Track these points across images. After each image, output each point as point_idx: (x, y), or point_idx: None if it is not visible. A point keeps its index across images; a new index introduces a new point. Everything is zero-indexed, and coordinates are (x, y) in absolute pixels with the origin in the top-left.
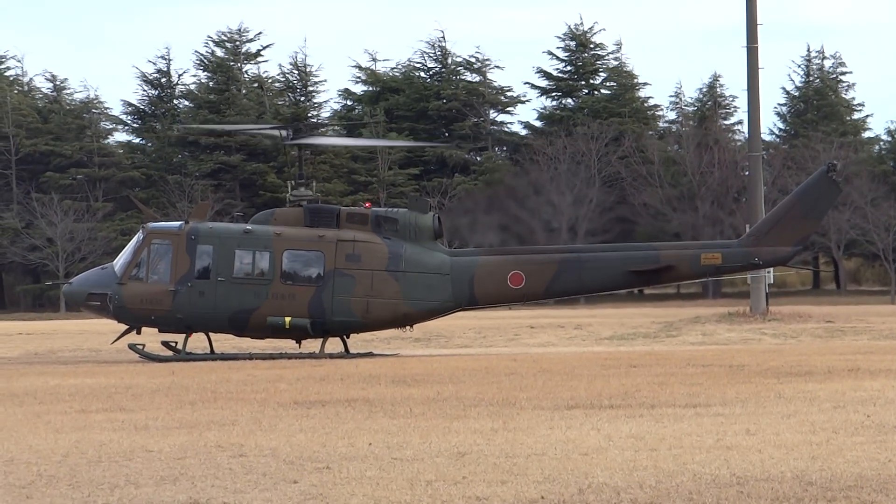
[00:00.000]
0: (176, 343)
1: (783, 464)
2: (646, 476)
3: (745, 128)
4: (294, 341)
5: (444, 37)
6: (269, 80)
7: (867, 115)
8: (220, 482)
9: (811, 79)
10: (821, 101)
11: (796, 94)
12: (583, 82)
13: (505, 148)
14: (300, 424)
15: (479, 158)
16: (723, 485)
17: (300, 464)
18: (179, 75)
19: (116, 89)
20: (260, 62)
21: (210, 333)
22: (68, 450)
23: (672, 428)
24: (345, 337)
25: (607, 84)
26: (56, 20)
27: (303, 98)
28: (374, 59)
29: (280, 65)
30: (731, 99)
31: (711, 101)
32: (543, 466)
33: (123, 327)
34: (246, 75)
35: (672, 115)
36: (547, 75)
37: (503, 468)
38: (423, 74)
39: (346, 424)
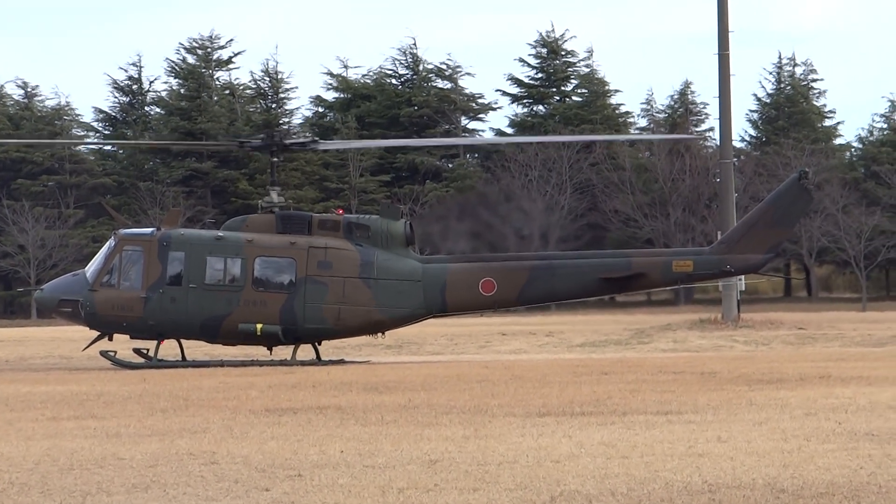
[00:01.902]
0: (147, 350)
1: (755, 471)
2: (618, 483)
3: (716, 134)
4: (265, 348)
5: (415, 44)
6: (241, 87)
7: (838, 122)
8: (191, 490)
9: (782, 86)
10: (792, 108)
11: (767, 100)
12: (554, 89)
13: (476, 155)
14: (272, 432)
15: (450, 165)
16: (694, 492)
17: (272, 471)
18: (151, 82)
19: (88, 96)
20: (231, 69)
21: (182, 340)
22: (40, 457)
23: (644, 435)
24: (316, 344)
25: (578, 91)
26: (27, 27)
27: (274, 105)
28: (346, 66)
29: (251, 72)
30: (702, 106)
31: (683, 108)
32: (515, 474)
33: (95, 334)
34: (217, 82)
35: (643, 122)
36: (518, 82)
37: (475, 476)
38: (394, 81)
39: (317, 432)
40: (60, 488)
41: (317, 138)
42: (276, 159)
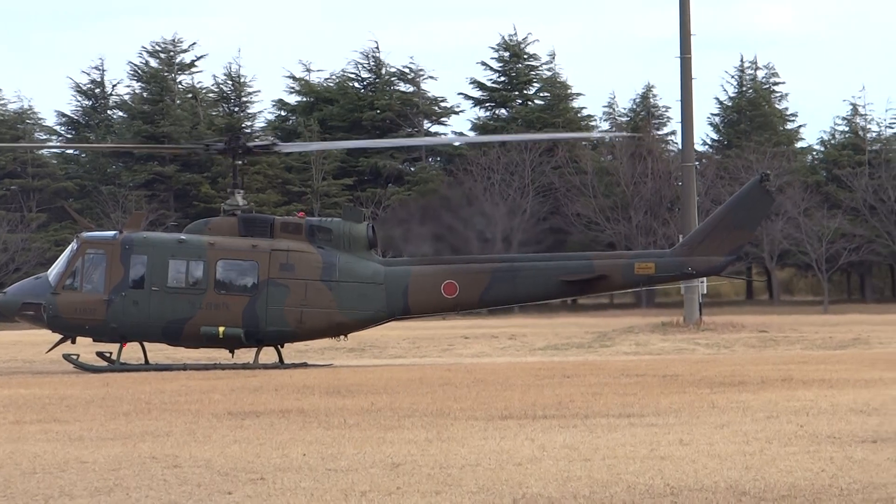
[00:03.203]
0: (111, 353)
1: (717, 474)
2: (580, 486)
3: (678, 138)
4: (228, 351)
5: (377, 47)
6: (204, 91)
7: (800, 126)
8: (154, 493)
9: (744, 89)
10: (754, 112)
11: (729, 104)
12: (516, 93)
13: (439, 158)
14: (234, 435)
15: (412, 169)
16: (657, 495)
17: (234, 475)
18: (113, 86)
19: (50, 100)
20: (194, 73)
21: (144, 343)
22: (2, 461)
23: (606, 438)
24: (279, 347)
25: (541, 94)
26: None
27: (237, 109)
28: (308, 70)
29: (214, 75)
30: (664, 109)
31: (645, 112)
32: (478, 477)
33: (58, 337)
34: (180, 86)
35: (605, 126)
36: (481, 86)
37: (437, 479)
38: (356, 85)
39: (280, 435)
40: (23, 492)
41: (277, 141)
42: (239, 162)
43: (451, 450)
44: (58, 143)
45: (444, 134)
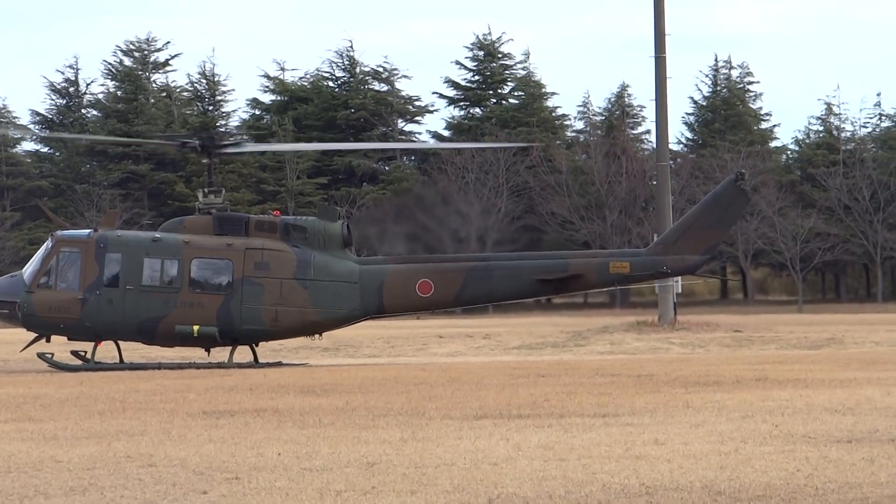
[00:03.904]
0: (86, 352)
1: (692, 473)
2: (555, 486)
3: (653, 137)
4: (203, 350)
5: (352, 46)
6: (178, 90)
7: (774, 125)
8: (129, 492)
9: (719, 88)
10: (728, 111)
11: (704, 103)
12: (491, 92)
13: (413, 158)
14: (209, 435)
15: (387, 168)
16: (632, 494)
17: (210, 474)
18: (87, 84)
19: (24, 99)
20: (168, 72)
21: (119, 342)
22: None
23: (581, 438)
24: (254, 346)
25: (515, 94)
26: None
27: (211, 108)
28: (283, 69)
29: (188, 74)
30: (638, 109)
31: (619, 111)
32: (453, 476)
33: (32, 335)
34: (154, 85)
35: (580, 125)
36: (455, 85)
37: (412, 478)
38: (331, 84)
39: (255, 435)
40: None
41: (247, 137)
42: (213, 160)
43: (426, 449)
44: (36, 132)
45: (419, 133)
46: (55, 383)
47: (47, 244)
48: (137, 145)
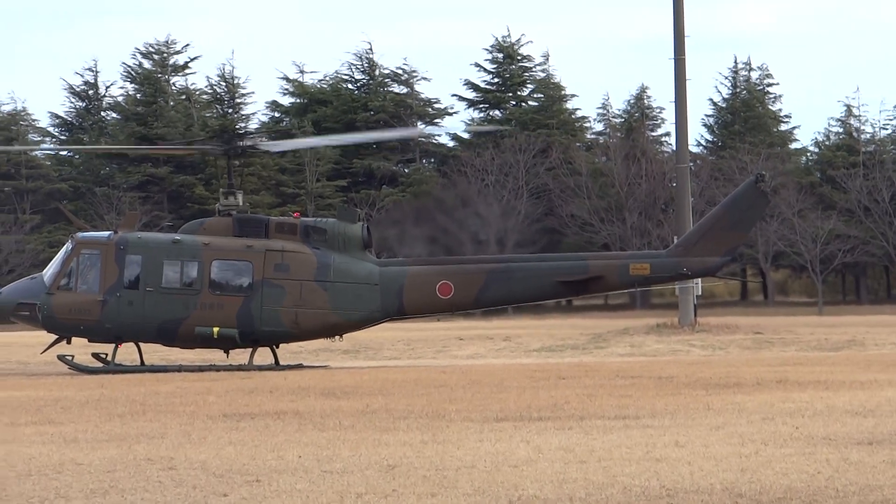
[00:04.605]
0: (106, 354)
1: (712, 476)
2: (576, 488)
3: (672, 139)
4: (223, 352)
5: (371, 48)
6: (197, 93)
7: (794, 127)
8: (149, 495)
9: (738, 90)
10: (748, 113)
11: (723, 105)
12: (510, 94)
13: (433, 160)
14: (230, 437)
15: (406, 170)
16: (652, 497)
17: (230, 477)
18: (107, 87)
19: (44, 101)
20: (188, 74)
21: (139, 343)
22: None
23: (601, 440)
24: (274, 348)
25: (535, 96)
26: None
27: (230, 110)
28: (302, 71)
29: (208, 77)
30: (658, 110)
31: (639, 113)
32: (473, 479)
33: (53, 337)
34: (174, 87)
35: (599, 127)
36: (474, 87)
37: (433, 481)
38: (350, 86)
39: (275, 437)
40: (18, 494)
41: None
42: (233, 162)
43: (446, 452)
44: (52, 146)
45: (439, 136)
46: (75, 386)
47: (67, 246)
48: (157, 154)
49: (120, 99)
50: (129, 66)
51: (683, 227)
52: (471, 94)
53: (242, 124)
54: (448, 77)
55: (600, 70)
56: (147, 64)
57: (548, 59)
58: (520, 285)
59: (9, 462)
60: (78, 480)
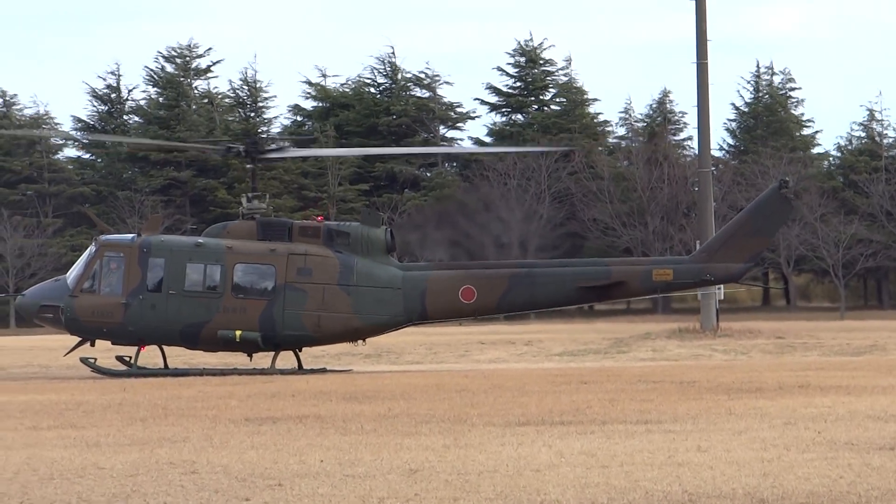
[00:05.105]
0: (130, 357)
1: (735, 480)
2: (597, 493)
3: (694, 143)
4: (245, 355)
5: (393, 52)
6: (220, 96)
7: (816, 131)
8: (171, 499)
9: (760, 94)
10: (770, 117)
11: (746, 109)
12: (532, 98)
13: (455, 164)
14: (252, 441)
15: (429, 174)
16: (674, 502)
17: (252, 481)
18: (129, 91)
19: (66, 105)
20: (210, 78)
21: (163, 347)
22: (19, 467)
23: (623, 444)
24: (297, 351)
25: (557, 100)
26: (5, 35)
27: (253, 114)
28: (324, 75)
29: (230, 80)
30: (680, 115)
31: (661, 117)
32: (495, 483)
33: (75, 340)
34: (196, 91)
35: (622, 131)
36: (497, 91)
37: (455, 485)
38: (372, 90)
39: (297, 441)
40: (41, 498)
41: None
42: (257, 165)
43: (468, 456)
44: (79, 135)
45: (461, 140)
46: (98, 390)
47: (91, 249)
48: (181, 150)
49: (142, 103)
50: (152, 70)
51: (705, 231)
52: (493, 98)
53: (265, 128)
54: (470, 81)
55: (622, 74)
56: (169, 67)
57: (570, 64)
58: (543, 291)
59: (31, 466)
60: (100, 484)
